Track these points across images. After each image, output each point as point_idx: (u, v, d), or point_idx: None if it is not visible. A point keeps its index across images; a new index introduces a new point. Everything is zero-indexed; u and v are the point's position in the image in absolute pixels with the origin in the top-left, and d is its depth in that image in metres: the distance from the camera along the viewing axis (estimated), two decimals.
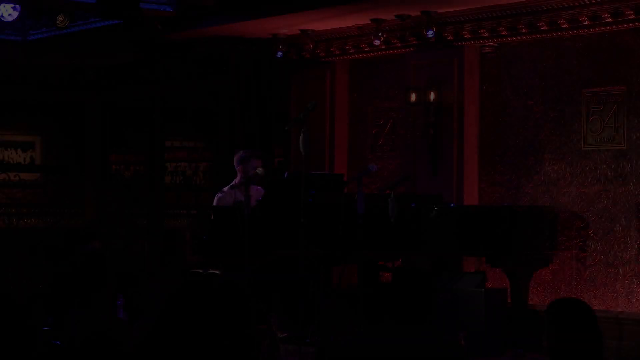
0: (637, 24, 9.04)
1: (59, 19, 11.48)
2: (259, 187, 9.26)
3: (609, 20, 9.13)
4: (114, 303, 5.90)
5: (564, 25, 9.39)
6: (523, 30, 9.70)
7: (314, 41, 11.20)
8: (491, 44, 10.12)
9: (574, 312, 4.24)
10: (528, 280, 8.99)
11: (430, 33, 9.94)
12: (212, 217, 9.68)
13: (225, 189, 9.24)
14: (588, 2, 9.11)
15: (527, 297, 8.99)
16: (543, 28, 9.54)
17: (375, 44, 10.51)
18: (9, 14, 11.02)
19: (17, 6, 11.00)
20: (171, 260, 12.68)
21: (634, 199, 9.14)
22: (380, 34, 10.40)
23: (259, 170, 9.20)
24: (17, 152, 14.68)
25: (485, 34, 9.94)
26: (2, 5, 10.91)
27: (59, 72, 14.34)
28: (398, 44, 10.60)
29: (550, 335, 4.23)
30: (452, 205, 9.50)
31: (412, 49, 10.58)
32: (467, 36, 10.04)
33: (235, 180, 9.19)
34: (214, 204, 9.48)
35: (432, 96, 10.23)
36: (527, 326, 8.46)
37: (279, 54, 11.32)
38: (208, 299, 4.62)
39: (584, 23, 9.28)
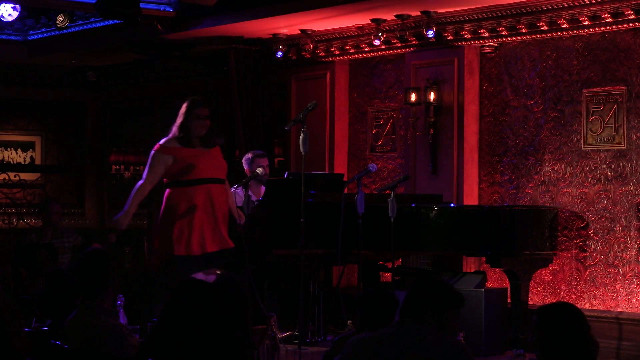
0: (637, 24, 9.02)
1: (59, 19, 11.46)
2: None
3: (609, 20, 9.11)
4: (115, 303, 5.88)
5: (564, 25, 9.37)
6: (523, 30, 9.68)
7: (314, 41, 11.18)
8: (491, 43, 10.11)
9: (564, 317, 4.23)
10: (528, 281, 8.99)
11: (430, 33, 9.92)
12: None
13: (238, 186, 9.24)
14: (588, 2, 9.09)
15: (527, 297, 8.99)
16: (543, 28, 9.52)
17: (375, 44, 10.50)
18: (9, 14, 11.01)
19: (17, 6, 10.98)
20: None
21: (634, 199, 9.13)
22: (380, 34, 10.39)
23: (259, 170, 9.20)
24: (17, 152, 14.66)
25: (485, 34, 9.92)
26: (2, 5, 10.89)
27: (59, 72, 14.33)
28: (398, 44, 10.58)
29: (540, 339, 4.24)
30: (452, 205, 9.49)
31: (412, 48, 10.57)
32: (467, 36, 10.02)
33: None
34: None
35: (432, 96, 10.22)
36: (527, 326, 8.44)
37: (279, 53, 11.32)
38: (207, 299, 4.62)
39: (584, 23, 9.26)
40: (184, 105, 7.97)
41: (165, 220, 7.79)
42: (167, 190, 7.88)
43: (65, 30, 11.66)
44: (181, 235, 7.70)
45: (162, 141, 7.97)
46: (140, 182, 7.88)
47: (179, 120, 7.94)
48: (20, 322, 4.22)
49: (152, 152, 7.91)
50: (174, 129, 7.95)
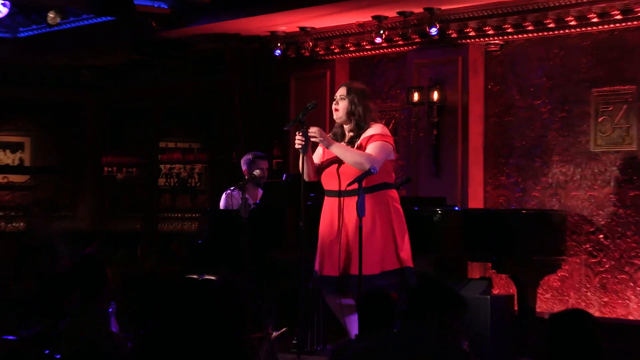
0: None
1: (50, 15, 11.32)
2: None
3: (618, 17, 9.05)
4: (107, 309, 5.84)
5: (572, 23, 9.31)
6: (529, 28, 9.62)
7: (314, 39, 11.14)
8: (496, 41, 10.05)
9: (577, 324, 4.10)
10: (535, 287, 8.84)
11: (433, 30, 9.89)
12: (209, 220, 9.53)
13: (234, 189, 9.10)
14: None
15: (535, 304, 8.84)
16: (550, 25, 9.47)
17: (377, 41, 10.46)
18: None
19: (7, 2, 10.89)
20: (166, 264, 12.60)
21: None
22: (381, 32, 10.34)
23: (257, 172, 9.04)
24: (6, 154, 14.58)
25: (490, 32, 9.88)
26: None
27: (49, 70, 14.22)
28: (400, 42, 10.55)
29: (552, 348, 4.10)
30: (457, 208, 9.38)
31: (414, 46, 10.52)
32: (472, 34, 9.98)
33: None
34: (222, 202, 9.36)
35: (435, 96, 10.16)
36: (535, 334, 8.32)
37: (277, 52, 11.28)
38: (203, 304, 4.50)
39: (593, 20, 9.19)
40: None
41: None
42: None
43: (56, 28, 11.54)
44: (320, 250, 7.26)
45: None
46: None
47: None
48: None
49: None
50: None
